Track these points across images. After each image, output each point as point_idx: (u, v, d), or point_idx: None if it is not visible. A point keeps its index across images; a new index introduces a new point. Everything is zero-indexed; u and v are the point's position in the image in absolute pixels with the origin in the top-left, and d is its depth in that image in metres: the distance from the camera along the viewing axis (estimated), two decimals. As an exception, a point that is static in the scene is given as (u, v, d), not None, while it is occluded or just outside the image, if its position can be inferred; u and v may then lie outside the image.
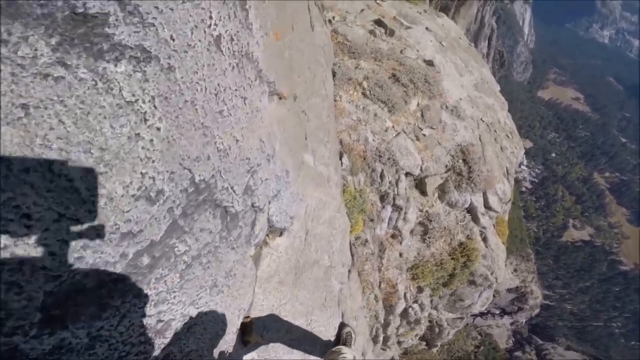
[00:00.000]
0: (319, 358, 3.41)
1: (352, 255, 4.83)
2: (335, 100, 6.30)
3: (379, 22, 9.43)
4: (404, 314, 8.37)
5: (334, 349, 3.13)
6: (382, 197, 6.08)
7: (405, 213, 6.33)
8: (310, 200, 3.79)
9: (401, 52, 8.76)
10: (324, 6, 8.71)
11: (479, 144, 8.07)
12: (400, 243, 6.92)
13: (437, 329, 10.33)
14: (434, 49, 9.92)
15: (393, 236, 6.75)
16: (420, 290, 8.08)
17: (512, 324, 54.66)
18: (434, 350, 11.55)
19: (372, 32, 8.89)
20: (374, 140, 5.96)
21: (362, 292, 6.15)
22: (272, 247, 3.12)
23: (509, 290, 50.29)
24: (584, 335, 68.06)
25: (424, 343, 11.13)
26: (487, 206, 7.88)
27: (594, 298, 76.09)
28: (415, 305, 8.31)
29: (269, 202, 2.41)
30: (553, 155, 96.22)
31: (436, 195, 7.17)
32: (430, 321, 10.01)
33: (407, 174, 6.42)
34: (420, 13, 13.18)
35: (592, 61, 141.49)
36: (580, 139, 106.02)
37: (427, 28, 11.38)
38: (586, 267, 79.00)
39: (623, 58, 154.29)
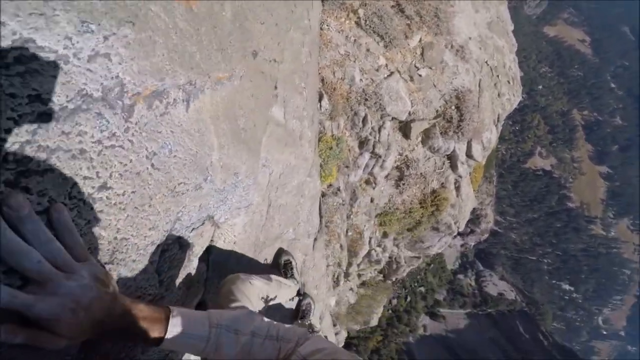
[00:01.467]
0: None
1: (321, 218, 4.31)
2: (321, 29, 5.26)
3: None
4: (367, 255, 8.28)
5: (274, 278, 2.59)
6: (362, 144, 5.45)
7: (383, 161, 5.76)
8: (275, 166, 3.08)
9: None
10: None
11: (477, 90, 7.32)
12: (373, 188, 6.46)
13: (394, 265, 10.52)
14: (450, -21, 8.54)
15: (367, 182, 6.27)
16: (385, 235, 7.89)
17: (462, 245, 58.83)
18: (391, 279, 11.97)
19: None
20: (361, 80, 5.11)
21: (327, 244, 5.79)
22: (225, 228, 2.50)
23: (466, 211, 52.91)
24: (518, 267, 74.66)
25: (381, 275, 11.43)
26: (468, 154, 7.42)
27: (536, 231, 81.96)
28: (379, 249, 8.21)
29: (209, 218, 1.76)
30: (540, 87, 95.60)
31: (419, 139, 6.57)
32: (389, 257, 10.12)
33: (392, 119, 5.71)
34: None
35: (615, 9, 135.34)
36: (571, 77, 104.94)
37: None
38: (539, 198, 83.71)
39: None
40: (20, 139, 0.74)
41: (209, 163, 1.69)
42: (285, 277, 3.02)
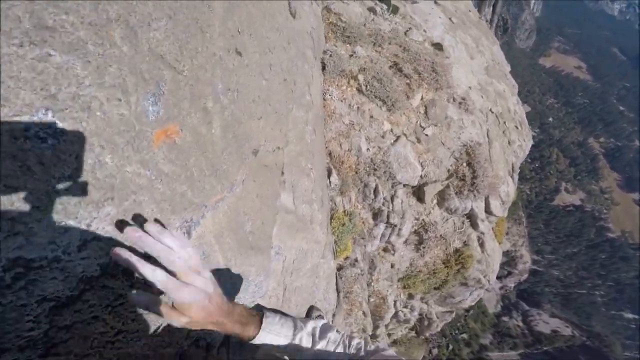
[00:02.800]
0: None
1: (338, 294, 4.19)
2: (324, 100, 5.38)
3: (380, -3, 8.21)
4: (394, 316, 7.92)
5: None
6: (375, 215, 5.34)
7: (399, 229, 5.63)
8: (288, 252, 3.05)
9: (405, 33, 7.64)
10: (318, -24, 7.48)
11: (486, 141, 7.20)
12: (393, 254, 6.28)
13: (426, 322, 9.98)
14: (443, 28, 8.77)
15: (385, 249, 6.09)
16: (411, 296, 7.57)
17: (501, 288, 55.77)
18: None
19: (372, 9, 7.70)
20: (368, 149, 5.10)
21: (349, 314, 5.58)
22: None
23: (500, 255, 50.71)
24: (568, 302, 69.87)
25: (414, 332, 10.85)
26: (487, 211, 7.16)
27: (580, 265, 77.53)
28: (405, 309, 7.85)
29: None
30: (550, 119, 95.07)
31: (435, 201, 6.43)
32: (420, 314, 9.64)
33: (404, 186, 5.65)
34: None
35: (599, 32, 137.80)
36: (578, 105, 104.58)
37: (435, 2, 10.15)
38: (575, 233, 80.00)
39: (630, 31, 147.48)
40: (42, 329, 0.91)
41: (217, 278, 1.69)
42: None
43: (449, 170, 6.30)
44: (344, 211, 4.64)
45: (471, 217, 6.88)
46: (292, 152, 3.17)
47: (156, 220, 0.99)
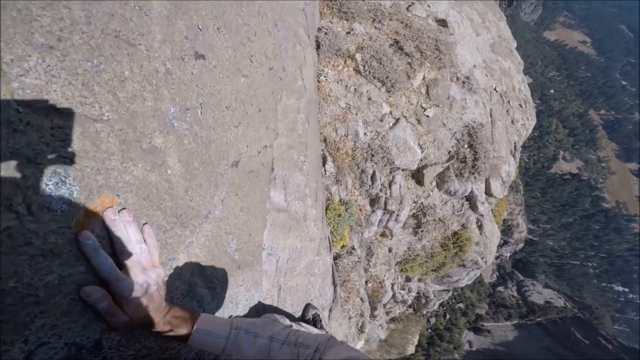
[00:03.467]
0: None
1: (335, 287, 4.05)
2: (319, 82, 5.08)
3: (381, -33, 7.69)
4: (392, 297, 7.89)
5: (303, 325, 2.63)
6: (373, 201, 5.13)
7: (397, 215, 5.46)
8: (282, 252, 2.90)
9: (408, 8, 7.20)
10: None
11: (489, 121, 6.93)
12: (390, 239, 6.14)
13: (423, 300, 10.03)
14: (448, 3, 8.28)
15: (382, 234, 5.93)
16: (408, 279, 7.51)
17: (497, 257, 56.43)
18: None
19: (372, -20, 7.25)
20: (365, 133, 4.83)
21: (346, 301, 5.50)
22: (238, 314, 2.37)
23: (497, 222, 51.02)
24: (562, 273, 71.14)
25: (412, 309, 10.93)
26: (488, 193, 6.98)
27: (574, 235, 78.50)
28: (403, 292, 7.81)
29: None
30: (552, 91, 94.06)
31: (434, 184, 6.24)
32: (417, 292, 9.66)
33: (402, 170, 5.43)
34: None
35: (606, 9, 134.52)
36: (580, 78, 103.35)
37: (440, -28, 9.61)
38: (571, 202, 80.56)
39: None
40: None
41: (201, 310, 1.52)
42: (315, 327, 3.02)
43: (449, 152, 6.07)
44: (340, 200, 4.44)
45: (471, 199, 6.71)
46: (283, 146, 2.96)
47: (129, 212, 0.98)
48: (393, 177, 5.13)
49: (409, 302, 8.69)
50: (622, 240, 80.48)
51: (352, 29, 5.85)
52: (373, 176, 4.90)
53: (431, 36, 6.57)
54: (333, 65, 5.26)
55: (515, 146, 7.93)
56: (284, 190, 2.96)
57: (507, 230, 52.79)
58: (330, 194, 4.37)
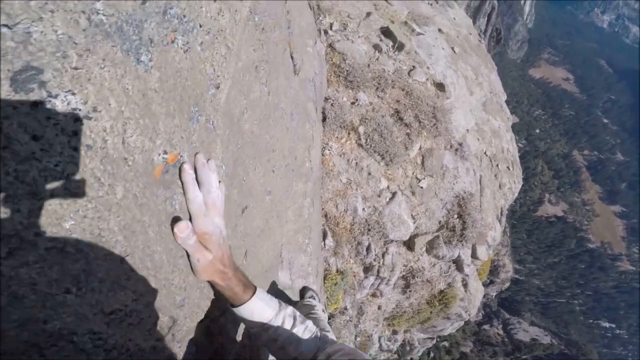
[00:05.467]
0: None
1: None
2: (323, 155, 5.46)
3: (386, 33, 8.18)
4: (378, 347, 8.18)
5: (305, 302, 2.89)
6: (366, 269, 5.48)
7: (388, 280, 5.83)
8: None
9: (409, 73, 7.69)
10: (321, 8, 7.31)
11: (478, 189, 7.37)
12: (380, 298, 6.48)
13: (408, 347, 10.30)
14: (446, 62, 8.82)
15: (373, 295, 6.28)
16: (395, 332, 7.83)
17: (483, 296, 56.30)
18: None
19: (377, 46, 7.68)
20: (364, 209, 5.21)
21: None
22: None
23: (483, 264, 51.34)
24: (548, 311, 71.25)
25: (396, 355, 11.17)
26: (474, 257, 7.39)
27: (560, 274, 79.02)
28: (389, 342, 8.11)
29: None
30: (537, 131, 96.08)
31: (424, 249, 6.63)
32: (402, 341, 9.93)
33: (396, 241, 5.83)
34: (431, 4, 11.88)
35: (588, 44, 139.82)
36: (564, 117, 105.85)
37: (439, 30, 10.23)
38: (557, 243, 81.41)
39: (619, 43, 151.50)
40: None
41: None
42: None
43: (440, 222, 6.46)
44: (337, 270, 4.80)
45: (457, 262, 7.10)
46: (290, 232, 3.13)
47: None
48: (387, 248, 5.50)
49: (394, 349, 8.95)
50: (607, 278, 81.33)
51: (357, 99, 6.21)
52: (368, 248, 5.27)
53: (429, 103, 6.91)
54: (337, 137, 5.62)
55: (501, 211, 8.39)
56: (289, 271, 3.21)
57: (493, 270, 53.14)
58: (328, 264, 4.72)
